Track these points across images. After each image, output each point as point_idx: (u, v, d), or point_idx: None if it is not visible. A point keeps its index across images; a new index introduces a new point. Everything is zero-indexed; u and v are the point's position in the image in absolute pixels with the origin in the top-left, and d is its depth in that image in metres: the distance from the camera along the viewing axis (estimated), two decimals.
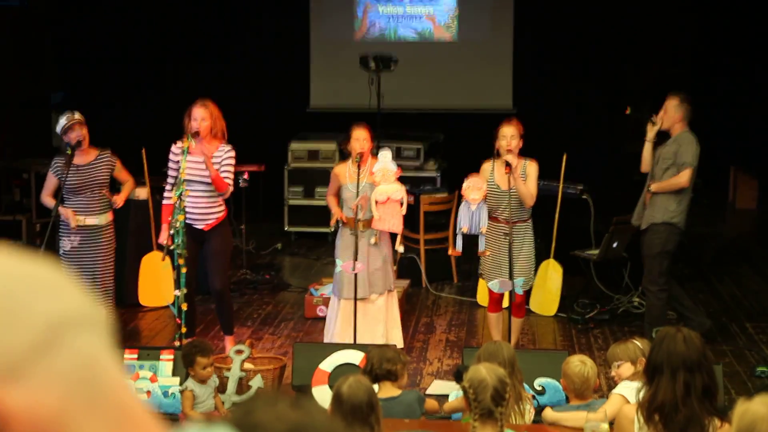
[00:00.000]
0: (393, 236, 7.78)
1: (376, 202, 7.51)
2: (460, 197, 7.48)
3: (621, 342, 5.75)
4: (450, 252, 7.63)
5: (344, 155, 7.99)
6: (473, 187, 7.32)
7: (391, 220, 7.54)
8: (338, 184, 7.79)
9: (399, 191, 7.53)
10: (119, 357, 1.05)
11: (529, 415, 5.34)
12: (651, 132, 7.99)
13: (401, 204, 7.55)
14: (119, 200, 7.93)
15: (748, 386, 7.34)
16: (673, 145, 7.91)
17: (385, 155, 7.64)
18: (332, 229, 7.90)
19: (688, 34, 14.36)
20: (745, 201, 13.93)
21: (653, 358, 4.18)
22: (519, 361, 6.13)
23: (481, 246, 7.43)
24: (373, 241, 7.64)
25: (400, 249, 7.83)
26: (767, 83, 13.94)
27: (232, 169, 7.68)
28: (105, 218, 7.94)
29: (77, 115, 7.82)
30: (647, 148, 8.03)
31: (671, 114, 7.90)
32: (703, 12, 14.01)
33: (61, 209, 7.74)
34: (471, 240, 7.53)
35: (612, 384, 5.94)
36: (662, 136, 8.08)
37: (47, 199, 7.85)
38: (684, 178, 7.81)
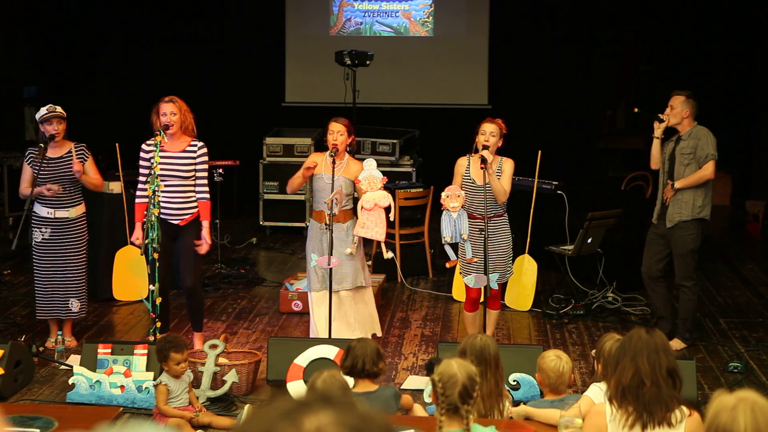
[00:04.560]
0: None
1: (362, 208, 7.51)
2: (439, 204, 7.44)
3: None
4: (448, 265, 7.65)
5: (322, 147, 7.93)
6: (452, 196, 7.34)
7: (375, 228, 7.52)
8: (313, 168, 7.69)
9: (386, 198, 7.54)
10: None
11: (507, 411, 5.34)
12: (659, 129, 7.99)
13: (387, 212, 7.55)
14: (77, 166, 7.77)
15: (721, 381, 7.38)
16: (690, 140, 7.89)
17: (370, 164, 7.64)
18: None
19: (663, 32, 14.42)
20: (718, 198, 13.99)
21: (617, 352, 4.20)
22: None
23: (468, 253, 7.40)
24: (348, 251, 7.61)
25: (389, 255, 7.77)
26: (740, 80, 14.03)
27: (206, 167, 7.65)
28: (75, 211, 7.90)
29: (59, 110, 7.77)
30: (656, 145, 8.02)
31: (678, 110, 7.90)
32: (679, 10, 14.06)
33: (38, 189, 7.65)
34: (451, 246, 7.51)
35: (586, 380, 5.95)
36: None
37: (27, 191, 7.78)
38: (709, 170, 7.82)
